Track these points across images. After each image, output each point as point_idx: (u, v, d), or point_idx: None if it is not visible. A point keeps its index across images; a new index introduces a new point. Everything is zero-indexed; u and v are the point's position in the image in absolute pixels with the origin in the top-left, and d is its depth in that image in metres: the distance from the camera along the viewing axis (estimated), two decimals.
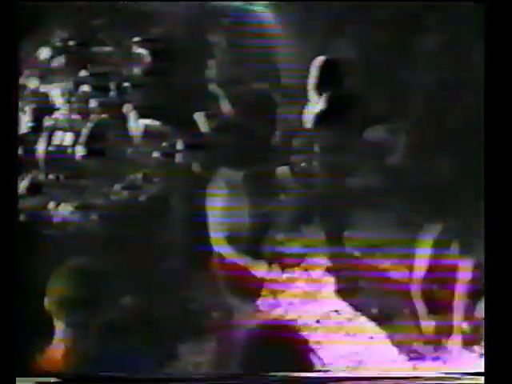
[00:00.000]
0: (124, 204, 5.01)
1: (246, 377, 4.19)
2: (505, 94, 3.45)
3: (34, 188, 5.00)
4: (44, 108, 5.15)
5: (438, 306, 4.52)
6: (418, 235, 4.75)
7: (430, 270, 4.58)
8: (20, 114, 5.10)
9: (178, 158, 5.10)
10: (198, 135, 5.10)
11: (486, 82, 3.54)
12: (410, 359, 4.48)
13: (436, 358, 4.34)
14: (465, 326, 4.47)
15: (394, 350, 4.51)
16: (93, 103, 5.17)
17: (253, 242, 4.70)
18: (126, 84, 5.20)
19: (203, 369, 4.46)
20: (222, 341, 4.55)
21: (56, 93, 5.17)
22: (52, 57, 5.20)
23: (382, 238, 4.83)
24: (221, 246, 4.57)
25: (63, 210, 4.97)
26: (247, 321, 4.68)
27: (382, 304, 4.68)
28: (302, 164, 5.10)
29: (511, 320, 3.27)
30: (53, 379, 4.01)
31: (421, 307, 4.50)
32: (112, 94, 5.19)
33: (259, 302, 4.74)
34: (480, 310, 4.43)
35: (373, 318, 4.64)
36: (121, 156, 5.10)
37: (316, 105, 5.04)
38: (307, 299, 4.79)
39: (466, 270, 4.54)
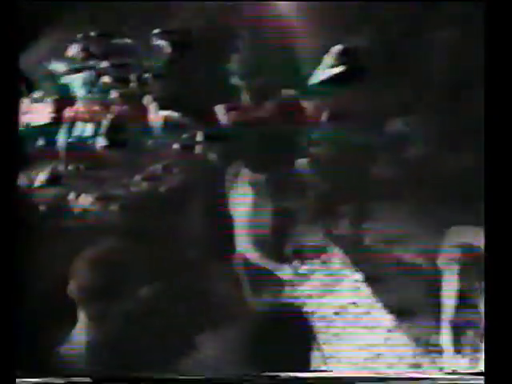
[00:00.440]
0: (144, 195, 5.03)
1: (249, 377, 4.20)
2: (505, 93, 3.45)
3: (55, 179, 5.03)
4: (65, 99, 5.18)
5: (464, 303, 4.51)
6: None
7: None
8: (41, 104, 5.15)
9: (198, 149, 5.11)
10: (217, 127, 5.11)
11: (486, 81, 3.54)
12: (429, 353, 4.47)
13: (457, 354, 4.33)
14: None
15: (412, 343, 4.50)
16: (113, 94, 5.20)
17: (276, 244, 4.70)
18: (146, 75, 5.22)
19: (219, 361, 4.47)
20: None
21: (77, 84, 5.19)
22: (73, 48, 5.23)
23: (402, 230, 4.83)
24: (246, 248, 4.57)
25: (83, 201, 4.99)
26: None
27: (403, 297, 4.68)
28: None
29: (511, 320, 3.27)
30: (53, 379, 4.03)
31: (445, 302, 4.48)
32: (132, 85, 5.21)
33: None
34: None
35: (393, 311, 4.64)
36: (141, 147, 5.12)
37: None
38: (326, 291, 4.79)
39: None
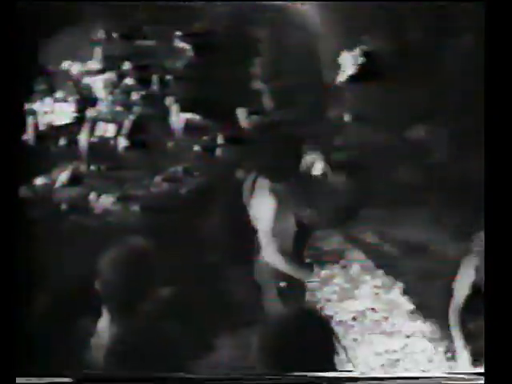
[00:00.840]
0: (164, 196, 5.04)
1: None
2: (505, 94, 3.45)
3: (76, 179, 5.05)
4: (87, 99, 5.20)
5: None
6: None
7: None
8: (63, 104, 5.16)
9: (219, 152, 5.13)
10: (238, 130, 5.12)
11: (486, 82, 3.54)
12: (447, 358, 4.47)
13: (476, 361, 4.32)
14: None
15: (431, 348, 4.50)
16: (135, 96, 5.21)
17: (297, 250, 4.70)
18: (168, 77, 5.23)
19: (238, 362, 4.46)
20: None
21: (99, 84, 5.21)
22: (96, 49, 5.25)
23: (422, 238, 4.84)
24: (268, 255, 4.58)
25: (104, 201, 5.01)
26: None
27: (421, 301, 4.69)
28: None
29: (511, 320, 3.27)
30: (53, 379, 4.03)
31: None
32: (154, 87, 5.22)
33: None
34: None
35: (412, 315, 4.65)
36: (162, 149, 5.13)
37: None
38: (344, 296, 4.80)
39: None
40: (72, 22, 5.19)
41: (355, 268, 4.93)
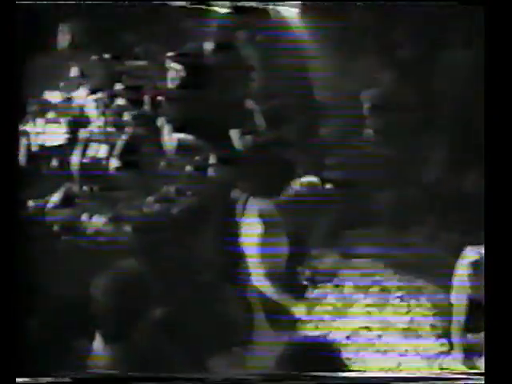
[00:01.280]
0: (156, 216, 5.03)
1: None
2: (505, 96, 3.47)
3: (68, 199, 5.04)
4: (79, 120, 5.21)
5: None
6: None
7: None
8: (55, 125, 5.17)
9: (211, 172, 5.13)
10: (231, 150, 5.12)
11: (486, 83, 3.56)
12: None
13: None
14: None
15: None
16: (127, 116, 5.22)
17: (289, 272, 4.71)
18: (160, 98, 5.24)
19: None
20: None
21: (91, 105, 5.22)
22: (87, 70, 5.27)
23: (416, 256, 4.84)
24: (259, 280, 4.59)
25: (96, 222, 5.00)
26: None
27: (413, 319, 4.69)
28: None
29: (511, 320, 3.28)
30: (53, 379, 4.02)
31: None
32: (146, 107, 5.23)
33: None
34: None
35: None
36: (154, 169, 5.13)
37: None
38: (338, 315, 4.79)
39: None
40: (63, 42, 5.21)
41: (348, 287, 4.93)
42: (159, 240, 4.93)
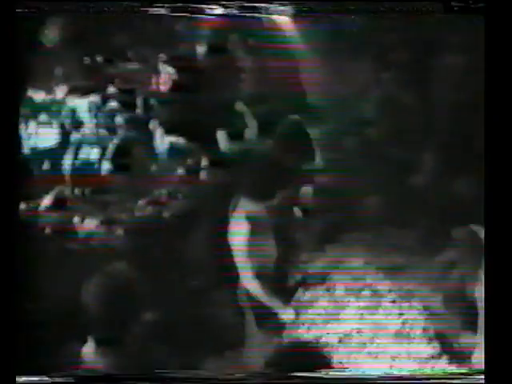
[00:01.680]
0: (148, 219, 5.03)
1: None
2: (505, 100, 3.49)
3: (60, 202, 5.03)
4: (71, 123, 5.20)
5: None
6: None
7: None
8: (47, 127, 5.16)
9: (203, 175, 5.13)
10: (222, 153, 5.13)
11: (486, 87, 3.58)
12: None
13: None
14: None
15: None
16: (119, 119, 5.21)
17: (279, 275, 4.73)
18: (152, 101, 5.24)
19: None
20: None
21: (83, 108, 5.21)
22: (80, 72, 5.26)
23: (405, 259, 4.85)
24: (248, 283, 4.61)
25: (88, 225, 4.99)
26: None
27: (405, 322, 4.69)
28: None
29: (511, 320, 3.29)
30: (53, 379, 4.02)
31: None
32: (139, 110, 5.23)
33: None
34: None
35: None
36: (146, 172, 5.12)
37: None
38: (329, 319, 4.79)
39: None
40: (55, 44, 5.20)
41: (340, 290, 4.93)
42: (151, 243, 4.94)
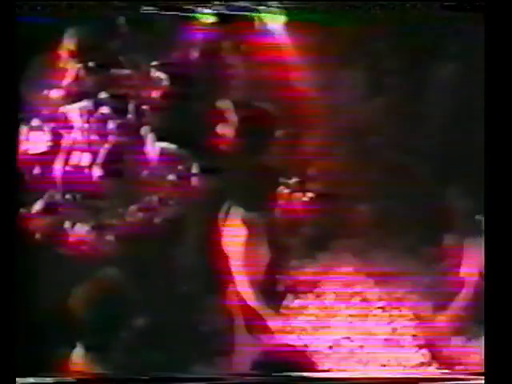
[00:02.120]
0: (139, 225, 5.03)
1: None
2: (505, 101, 3.51)
3: (51, 207, 5.02)
4: (63, 128, 5.19)
5: None
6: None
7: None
8: (38, 132, 5.15)
9: (194, 181, 5.13)
10: (213, 160, 5.13)
11: (486, 88, 3.59)
12: None
13: None
14: None
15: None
16: (111, 125, 5.21)
17: (270, 281, 4.75)
18: (144, 107, 5.24)
19: None
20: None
21: (75, 113, 5.20)
22: (72, 77, 5.25)
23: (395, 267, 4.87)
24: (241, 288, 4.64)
25: (79, 230, 4.98)
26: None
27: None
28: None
29: (511, 321, 3.30)
30: (53, 379, 4.02)
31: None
32: (130, 116, 5.23)
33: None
34: None
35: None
36: (137, 178, 5.12)
37: None
38: (319, 326, 4.80)
39: None
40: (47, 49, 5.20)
41: (329, 297, 4.94)
42: (142, 249, 4.94)
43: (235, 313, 4.82)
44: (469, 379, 3.86)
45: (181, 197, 5.13)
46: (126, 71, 5.29)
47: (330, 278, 4.97)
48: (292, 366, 4.15)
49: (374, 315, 4.80)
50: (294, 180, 5.15)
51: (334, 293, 4.93)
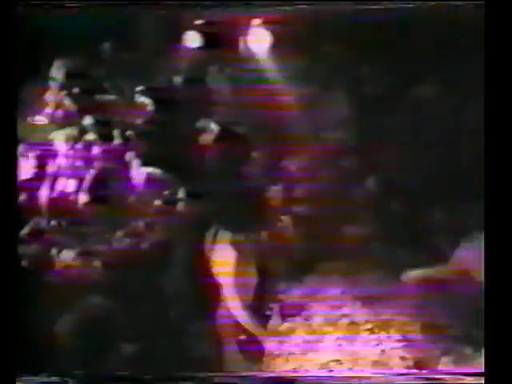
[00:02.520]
0: (126, 251, 5.02)
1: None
2: (505, 100, 3.53)
3: (37, 234, 5.01)
4: (48, 154, 5.18)
5: None
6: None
7: None
8: (23, 159, 5.14)
9: (180, 206, 5.13)
10: (199, 184, 5.13)
11: (486, 87, 3.61)
12: None
13: None
14: None
15: None
16: (96, 150, 5.21)
17: (258, 303, 4.76)
18: (129, 132, 5.24)
19: None
20: None
21: (60, 139, 5.20)
22: (57, 104, 5.26)
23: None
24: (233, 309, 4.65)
25: (65, 256, 4.97)
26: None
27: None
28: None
29: (511, 321, 3.31)
30: (52, 379, 4.00)
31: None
32: (115, 142, 5.23)
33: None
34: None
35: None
36: (123, 203, 5.11)
37: None
38: (308, 348, 4.79)
39: None
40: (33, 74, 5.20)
41: (317, 320, 4.93)
42: (129, 275, 4.93)
43: (225, 336, 4.82)
44: (468, 379, 3.86)
45: (167, 222, 5.12)
46: (111, 97, 5.30)
47: (318, 300, 4.96)
48: None
49: (363, 338, 4.80)
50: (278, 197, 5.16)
51: (322, 316, 4.92)
